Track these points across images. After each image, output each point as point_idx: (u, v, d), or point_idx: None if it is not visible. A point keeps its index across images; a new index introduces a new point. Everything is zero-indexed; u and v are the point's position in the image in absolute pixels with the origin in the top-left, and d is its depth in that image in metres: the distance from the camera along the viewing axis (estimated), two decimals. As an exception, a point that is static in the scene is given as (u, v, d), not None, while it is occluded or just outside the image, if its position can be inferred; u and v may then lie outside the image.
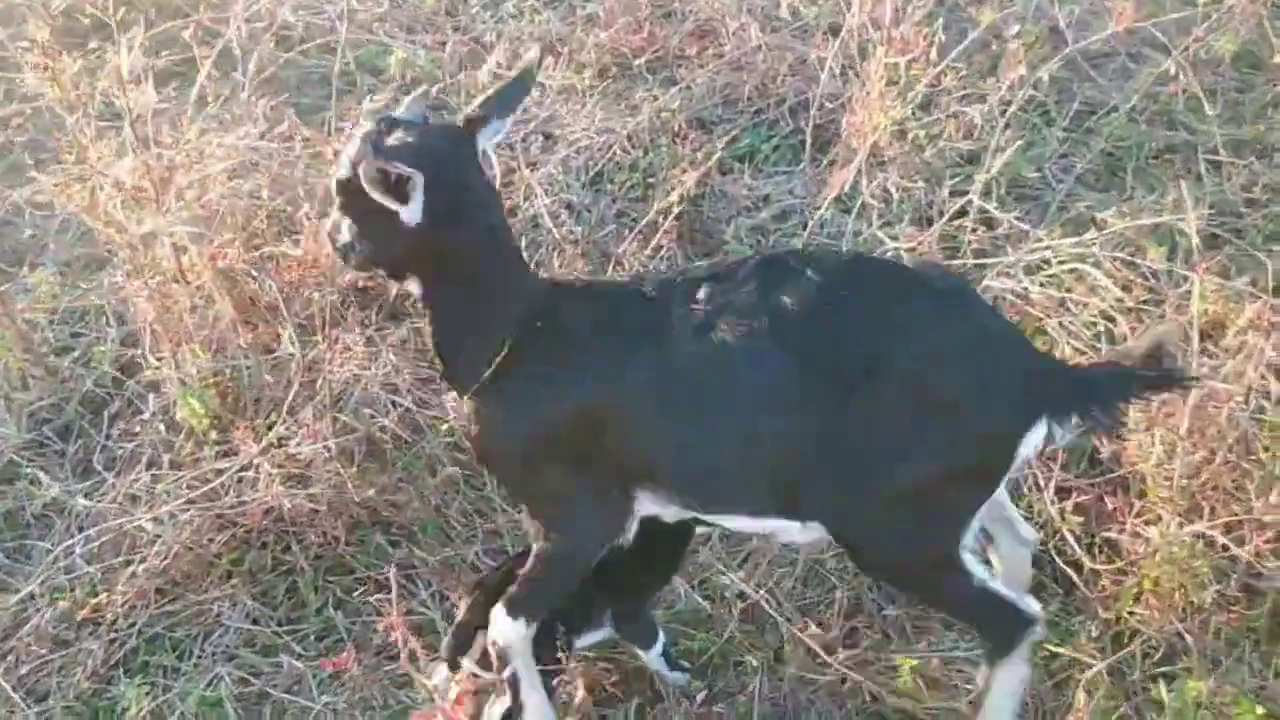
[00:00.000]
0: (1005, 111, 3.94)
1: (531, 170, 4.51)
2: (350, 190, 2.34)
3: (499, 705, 2.68)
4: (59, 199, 3.40)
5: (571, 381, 2.39)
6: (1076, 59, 4.57)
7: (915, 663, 2.82)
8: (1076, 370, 2.46)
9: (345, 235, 2.46)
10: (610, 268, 3.53)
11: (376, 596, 3.04)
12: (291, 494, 3.15)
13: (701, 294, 2.32)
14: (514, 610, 2.55)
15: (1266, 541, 2.79)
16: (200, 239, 3.51)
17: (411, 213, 2.29)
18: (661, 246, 3.81)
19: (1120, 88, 4.58)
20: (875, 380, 2.23)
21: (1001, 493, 2.55)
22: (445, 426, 3.41)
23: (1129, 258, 3.34)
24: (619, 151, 4.61)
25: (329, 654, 3.02)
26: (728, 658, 2.93)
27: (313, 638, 3.09)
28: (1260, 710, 2.53)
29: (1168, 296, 3.15)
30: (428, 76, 5.07)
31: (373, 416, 3.37)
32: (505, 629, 2.56)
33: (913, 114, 4.37)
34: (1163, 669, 2.77)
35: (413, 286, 2.48)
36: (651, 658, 2.83)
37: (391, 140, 2.32)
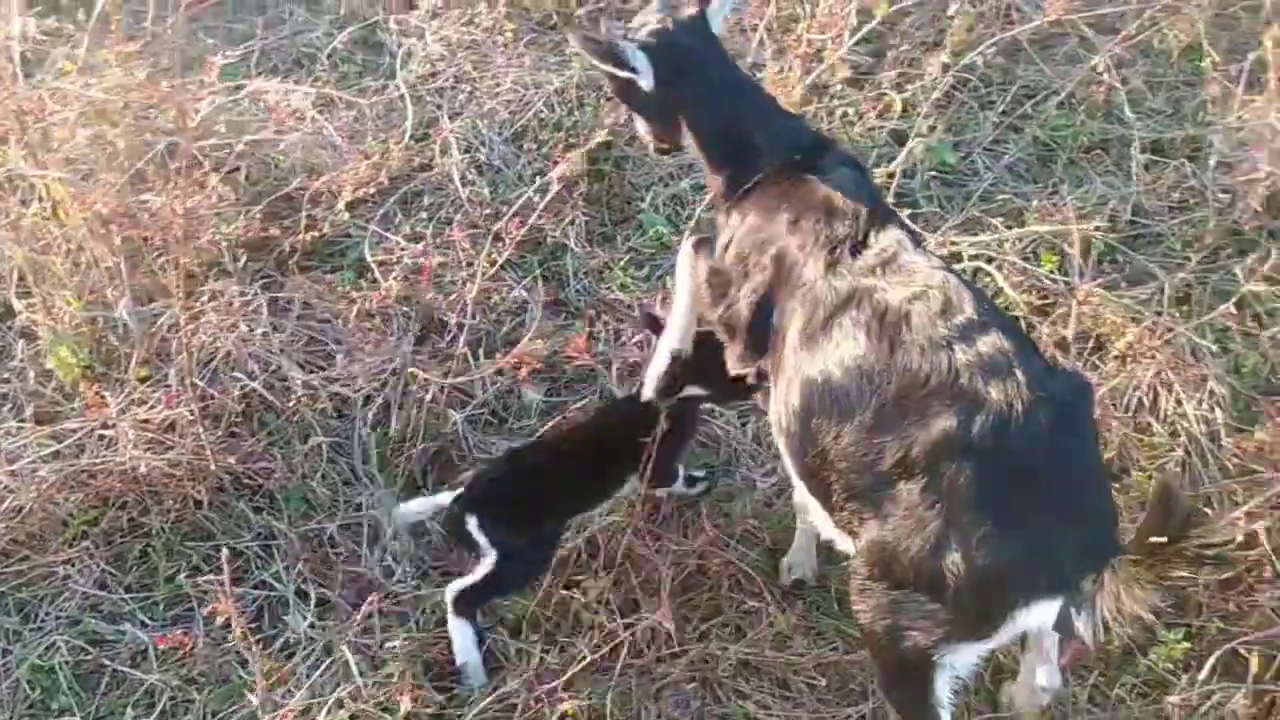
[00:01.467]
0: (929, 95, 3.81)
1: (453, 121, 4.36)
2: (614, 88, 2.88)
3: None
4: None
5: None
6: (1021, 41, 4.44)
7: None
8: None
9: (640, 129, 2.93)
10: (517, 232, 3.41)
11: (233, 570, 2.94)
12: (149, 458, 3.04)
13: None
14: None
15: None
16: (77, 179, 3.37)
17: (646, 79, 2.69)
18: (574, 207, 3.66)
19: (1066, 73, 4.45)
20: None
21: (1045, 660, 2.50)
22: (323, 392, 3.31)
23: (1025, 263, 3.25)
24: (544, 108, 4.46)
25: (178, 624, 2.94)
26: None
27: (161, 606, 3.01)
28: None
29: (1060, 303, 3.05)
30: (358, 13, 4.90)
31: (242, 380, 3.25)
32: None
33: (841, 90, 4.25)
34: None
35: (689, 147, 2.81)
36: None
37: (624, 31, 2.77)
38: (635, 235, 4.06)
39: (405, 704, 2.48)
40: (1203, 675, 2.50)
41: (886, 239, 2.43)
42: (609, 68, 2.69)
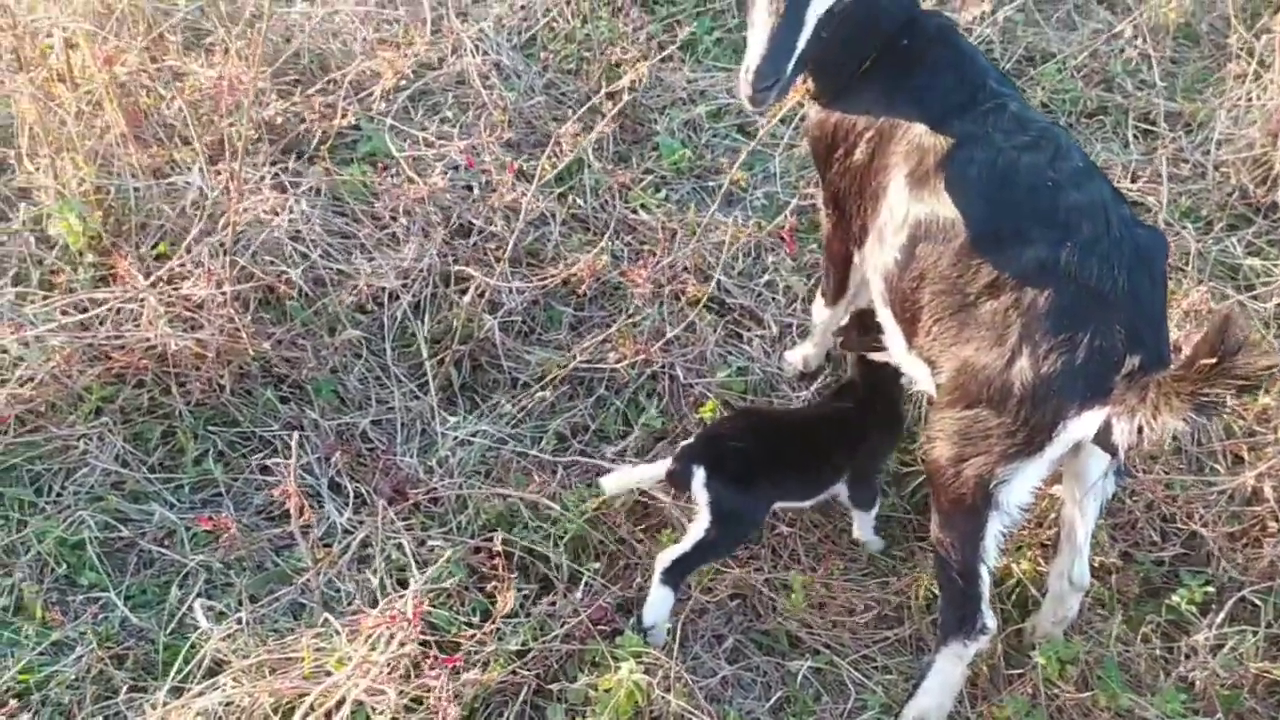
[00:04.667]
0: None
1: (462, 21, 4.24)
2: None
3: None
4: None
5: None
6: (1028, 3, 4.54)
7: (805, 579, 2.85)
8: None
9: None
10: (547, 148, 3.33)
11: (260, 457, 2.87)
12: (179, 336, 2.92)
13: None
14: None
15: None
16: (95, 38, 3.16)
17: None
18: (603, 137, 3.62)
19: (1064, 38, 4.57)
20: None
21: (1081, 519, 2.65)
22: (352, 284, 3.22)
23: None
24: (556, 18, 4.37)
25: (206, 507, 2.86)
26: (619, 561, 2.90)
27: (187, 489, 2.92)
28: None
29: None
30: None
31: (274, 264, 3.14)
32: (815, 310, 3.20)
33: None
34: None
35: None
36: (867, 519, 2.97)
37: None
38: (650, 157, 4.03)
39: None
40: (1219, 619, 2.68)
41: (992, 96, 2.60)
42: None
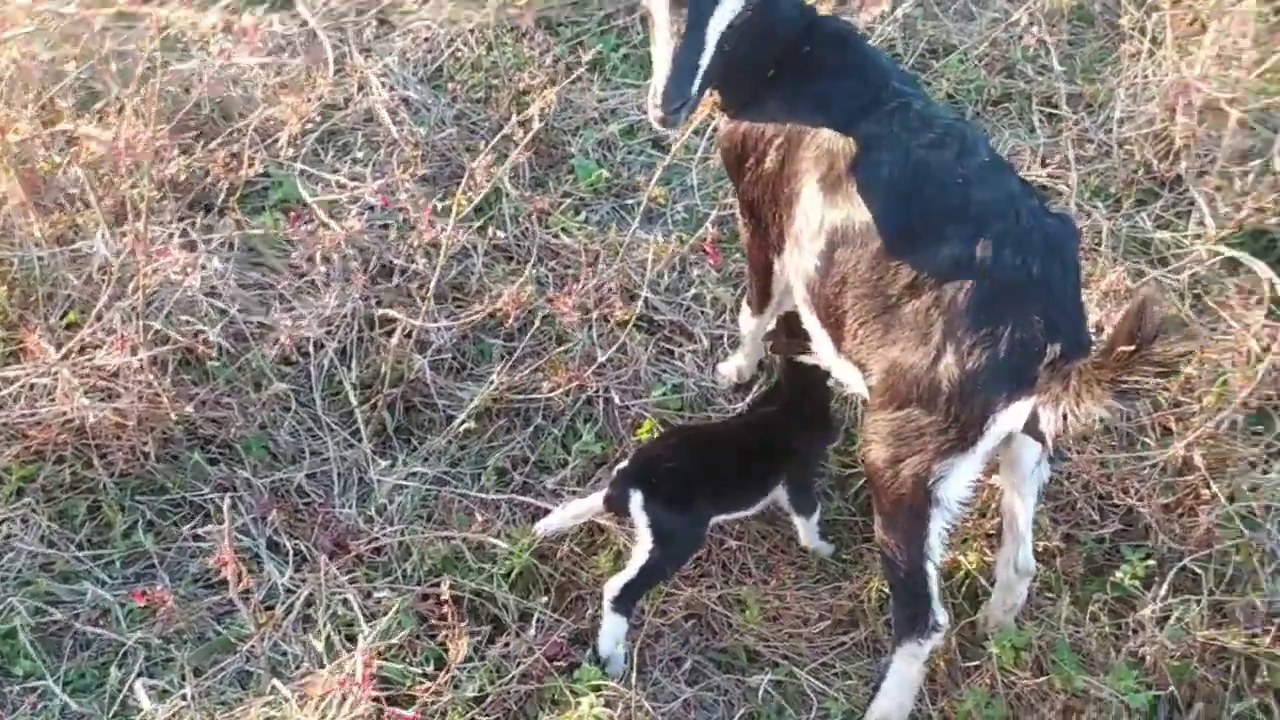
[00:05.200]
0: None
1: (365, 58, 4.19)
2: None
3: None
4: None
5: None
6: (926, -1, 4.61)
7: (758, 593, 2.85)
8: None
9: None
10: (463, 182, 3.30)
11: (193, 524, 2.80)
12: (97, 407, 2.84)
13: None
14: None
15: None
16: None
17: None
18: (518, 165, 3.60)
19: (964, 29, 4.64)
20: None
21: (1021, 506, 2.68)
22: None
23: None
24: (461, 48, 4.34)
25: (140, 581, 2.78)
26: (569, 593, 2.87)
27: (119, 564, 2.83)
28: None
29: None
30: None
31: (191, 323, 3.07)
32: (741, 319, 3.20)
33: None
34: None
35: None
36: (811, 526, 2.95)
37: None
38: (567, 180, 4.02)
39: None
40: (1163, 591, 2.73)
41: (895, 96, 2.63)
42: None
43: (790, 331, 2.92)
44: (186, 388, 3.04)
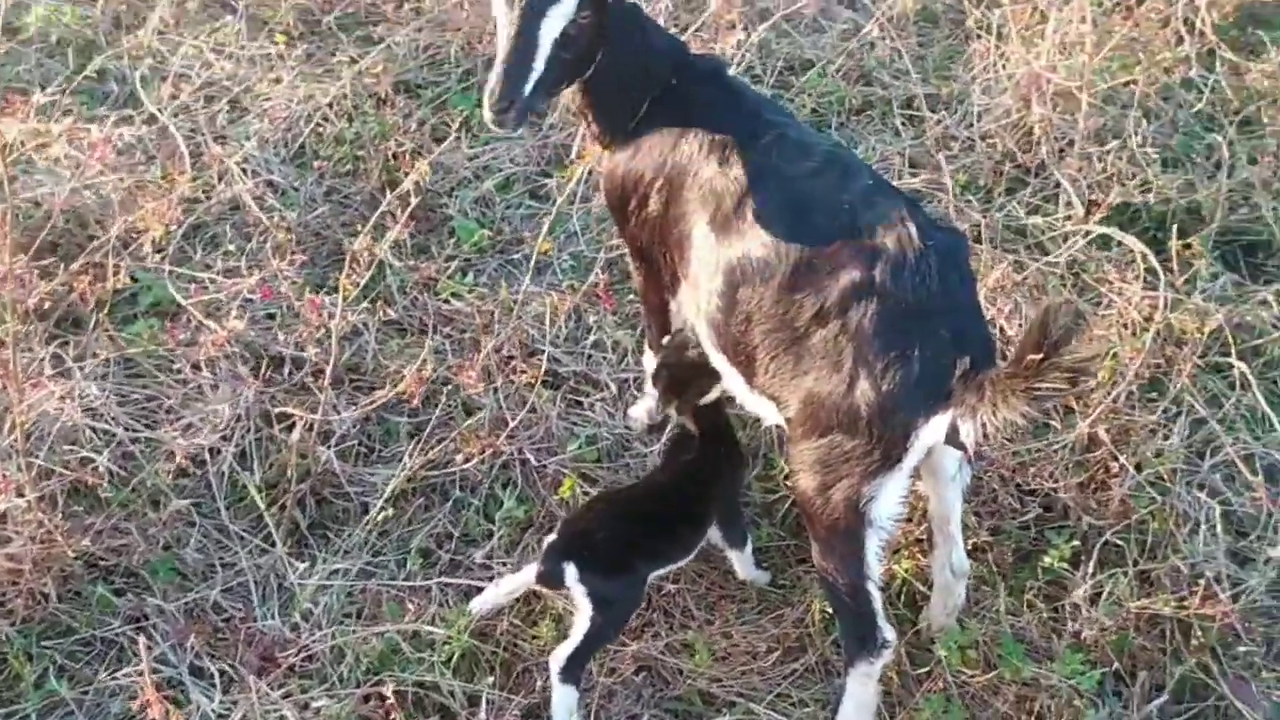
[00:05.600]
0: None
1: (223, 145, 4.08)
2: None
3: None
4: None
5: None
6: (779, 19, 4.68)
7: (704, 635, 2.83)
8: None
9: None
10: (345, 265, 3.21)
11: (108, 663, 2.65)
12: (-16, 556, 2.68)
13: None
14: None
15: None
16: None
17: None
18: (400, 240, 3.53)
19: (816, 44, 4.74)
20: None
21: (949, 510, 2.71)
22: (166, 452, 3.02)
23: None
24: (321, 121, 4.26)
25: (57, 732, 2.62)
26: (514, 669, 2.80)
27: (34, 718, 2.66)
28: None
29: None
30: (75, 36, 4.49)
31: (76, 451, 2.92)
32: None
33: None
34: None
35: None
36: (745, 557, 2.95)
37: None
38: (449, 243, 3.96)
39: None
40: (1090, 569, 2.79)
41: (771, 128, 2.67)
42: None
43: (676, 383, 2.91)
44: (80, 519, 2.89)
